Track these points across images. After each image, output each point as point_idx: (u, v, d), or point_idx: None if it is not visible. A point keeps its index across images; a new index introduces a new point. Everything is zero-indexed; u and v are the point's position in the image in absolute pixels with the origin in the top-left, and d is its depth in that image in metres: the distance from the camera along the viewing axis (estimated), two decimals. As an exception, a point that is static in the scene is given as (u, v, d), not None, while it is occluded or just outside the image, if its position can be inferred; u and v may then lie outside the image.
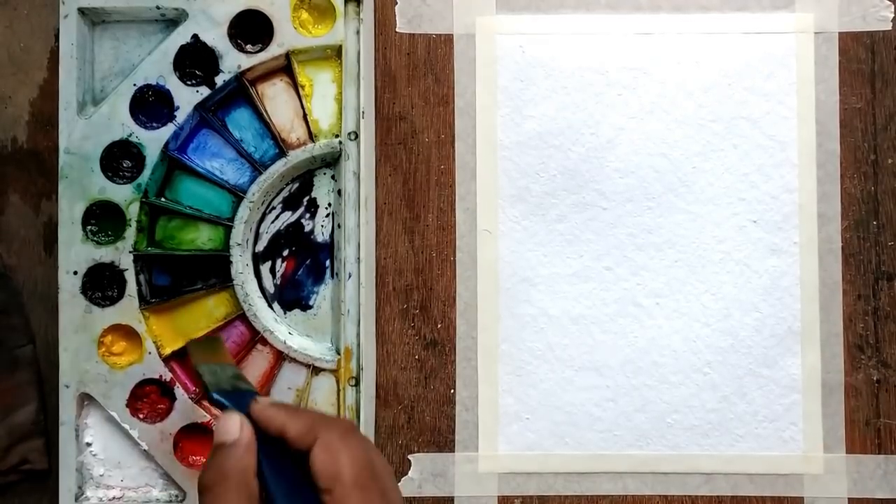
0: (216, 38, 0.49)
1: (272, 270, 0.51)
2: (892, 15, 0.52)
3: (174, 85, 0.50)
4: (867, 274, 0.51)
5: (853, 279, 0.51)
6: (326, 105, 0.50)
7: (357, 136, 0.49)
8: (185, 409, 0.49)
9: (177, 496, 0.50)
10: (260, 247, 0.51)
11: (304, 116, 0.50)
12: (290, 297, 0.51)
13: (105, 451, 0.50)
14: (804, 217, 0.51)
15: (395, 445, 0.52)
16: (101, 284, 0.50)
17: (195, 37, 0.50)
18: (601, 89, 0.52)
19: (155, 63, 0.50)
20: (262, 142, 0.51)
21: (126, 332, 0.50)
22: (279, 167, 0.50)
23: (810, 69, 0.52)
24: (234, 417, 0.36)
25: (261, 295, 0.51)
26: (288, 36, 0.49)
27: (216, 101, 0.50)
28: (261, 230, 0.51)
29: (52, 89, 0.52)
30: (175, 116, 0.50)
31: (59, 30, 0.50)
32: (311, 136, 0.50)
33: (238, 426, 0.36)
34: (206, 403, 0.50)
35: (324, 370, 0.50)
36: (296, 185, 0.51)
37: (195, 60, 0.50)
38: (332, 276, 0.51)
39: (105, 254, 0.50)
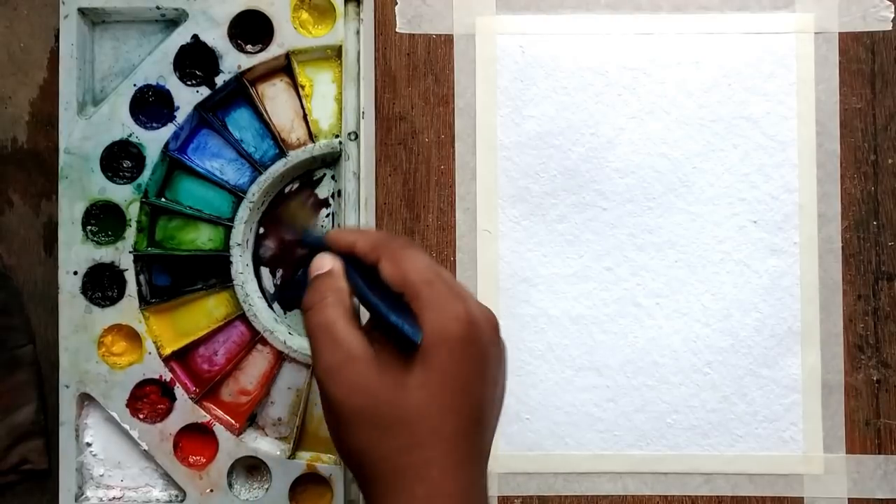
0: (216, 38, 0.49)
1: (272, 271, 0.51)
2: (892, 15, 0.52)
3: (174, 85, 0.50)
4: (867, 274, 0.51)
5: (853, 279, 0.51)
6: (326, 105, 0.50)
7: (357, 137, 0.49)
8: (185, 409, 0.49)
9: (177, 496, 0.50)
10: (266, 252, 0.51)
11: (304, 116, 0.50)
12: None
13: (105, 451, 0.50)
14: (804, 217, 0.51)
15: (395, 445, 0.52)
16: (101, 284, 0.50)
17: (195, 37, 0.50)
18: (601, 89, 0.52)
19: (155, 63, 0.50)
20: (262, 142, 0.51)
21: (126, 332, 0.50)
22: (279, 167, 0.50)
23: (810, 69, 0.52)
24: (325, 255, 0.41)
25: (261, 295, 0.51)
26: (288, 36, 0.49)
27: (216, 102, 0.50)
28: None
29: (52, 89, 0.52)
30: (175, 116, 0.50)
31: (59, 30, 0.50)
32: (311, 137, 0.50)
33: (329, 260, 0.40)
34: (205, 403, 0.50)
35: (324, 370, 0.50)
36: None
37: (195, 60, 0.50)
38: (332, 276, 0.51)
39: (105, 254, 0.50)
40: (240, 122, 0.51)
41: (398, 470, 0.37)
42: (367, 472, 0.38)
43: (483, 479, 0.39)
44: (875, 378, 0.51)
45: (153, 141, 0.50)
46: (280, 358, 0.50)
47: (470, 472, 0.37)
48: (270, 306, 0.51)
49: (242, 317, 0.50)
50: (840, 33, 0.52)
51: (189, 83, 0.50)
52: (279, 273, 0.51)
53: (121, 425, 0.50)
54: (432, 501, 0.36)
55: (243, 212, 0.50)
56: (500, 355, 0.39)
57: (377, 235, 0.42)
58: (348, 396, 0.37)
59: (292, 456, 0.50)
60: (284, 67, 0.50)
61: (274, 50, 0.50)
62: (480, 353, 0.38)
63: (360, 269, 0.40)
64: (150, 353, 0.50)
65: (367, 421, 0.37)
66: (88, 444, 0.50)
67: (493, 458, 0.51)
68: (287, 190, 0.51)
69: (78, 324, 0.49)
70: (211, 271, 0.50)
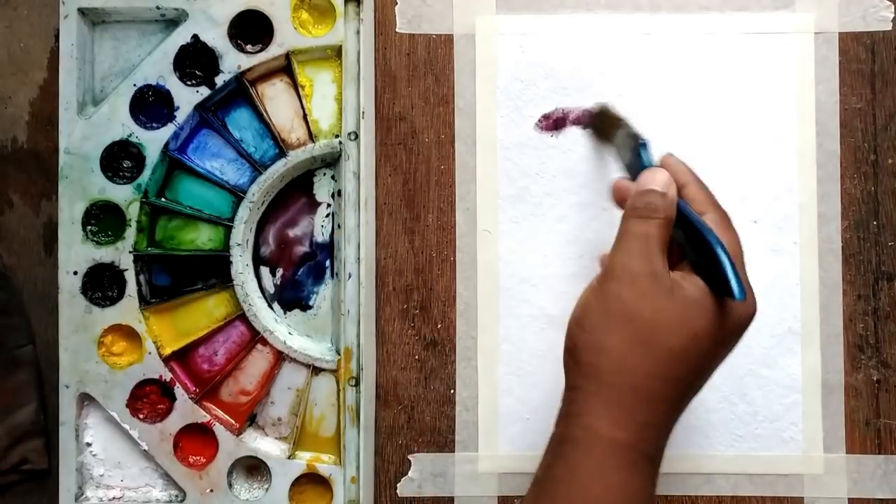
0: (216, 38, 0.49)
1: (272, 271, 0.51)
2: (892, 15, 0.52)
3: (174, 85, 0.50)
4: (867, 274, 0.51)
5: (853, 279, 0.51)
6: (326, 105, 0.50)
7: (357, 137, 0.49)
8: (185, 409, 0.50)
9: (177, 496, 0.50)
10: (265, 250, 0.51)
11: (304, 116, 0.50)
12: (290, 297, 0.51)
13: (105, 451, 0.50)
14: (804, 217, 0.51)
15: (395, 445, 0.52)
16: (101, 284, 0.50)
17: (195, 37, 0.50)
18: (601, 89, 0.52)
19: (155, 63, 0.50)
20: (262, 142, 0.51)
21: (126, 332, 0.50)
22: (279, 167, 0.50)
23: (810, 69, 0.52)
24: (664, 173, 0.42)
25: (261, 295, 0.51)
26: (288, 36, 0.49)
27: (216, 102, 0.50)
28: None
29: (52, 89, 0.52)
30: (175, 116, 0.50)
31: (59, 30, 0.50)
32: (311, 137, 0.50)
33: (666, 182, 0.42)
34: (205, 403, 0.50)
35: (324, 370, 0.50)
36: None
37: (195, 60, 0.50)
38: (332, 276, 0.51)
39: (105, 254, 0.50)
40: (240, 122, 0.51)
41: (636, 388, 0.39)
42: (606, 375, 0.39)
43: (663, 436, 0.41)
44: (875, 378, 0.51)
45: (153, 141, 0.50)
46: (280, 358, 0.50)
47: (659, 423, 0.40)
48: (270, 306, 0.51)
49: (242, 317, 0.50)
50: (840, 33, 0.52)
51: (189, 83, 0.50)
52: (279, 273, 0.51)
53: (121, 425, 0.50)
54: (646, 429, 0.39)
55: (243, 212, 0.50)
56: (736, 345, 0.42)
57: (708, 194, 0.43)
58: (640, 306, 0.39)
59: (292, 456, 0.50)
60: (284, 67, 0.50)
61: (274, 50, 0.50)
62: (736, 342, 0.41)
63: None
64: (150, 353, 0.50)
65: (642, 333, 0.39)
66: (88, 444, 0.50)
67: (493, 458, 0.51)
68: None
69: (78, 324, 0.49)
70: (211, 271, 0.50)
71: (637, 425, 0.39)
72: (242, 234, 0.50)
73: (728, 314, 0.40)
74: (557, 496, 0.39)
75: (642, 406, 0.39)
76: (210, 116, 0.50)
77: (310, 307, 0.51)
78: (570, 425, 0.40)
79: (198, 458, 0.50)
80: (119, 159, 0.50)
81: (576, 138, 0.52)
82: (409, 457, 0.52)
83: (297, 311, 0.51)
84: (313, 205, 0.51)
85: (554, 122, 0.52)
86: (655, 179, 0.42)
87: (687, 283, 0.40)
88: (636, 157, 0.44)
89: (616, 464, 0.39)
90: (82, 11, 0.50)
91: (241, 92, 0.50)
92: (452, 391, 0.52)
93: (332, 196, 0.51)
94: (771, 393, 0.51)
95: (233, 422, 0.50)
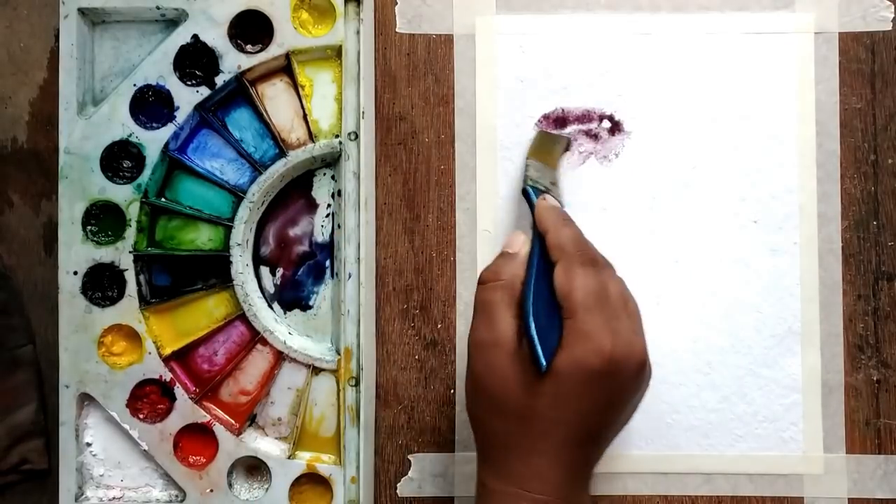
0: (216, 38, 0.49)
1: (272, 271, 0.51)
2: (892, 15, 0.52)
3: (174, 85, 0.50)
4: (867, 274, 0.51)
5: (853, 279, 0.51)
6: (326, 105, 0.50)
7: (357, 137, 0.49)
8: (185, 409, 0.50)
9: (177, 496, 0.50)
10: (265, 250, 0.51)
11: (304, 116, 0.50)
12: (290, 297, 0.51)
13: (105, 451, 0.50)
14: (804, 217, 0.51)
15: (395, 445, 0.52)
16: (101, 284, 0.50)
17: (195, 37, 0.50)
18: (601, 89, 0.52)
19: (155, 63, 0.50)
20: (262, 142, 0.51)
21: (126, 332, 0.50)
22: (279, 167, 0.50)
23: (810, 69, 0.52)
24: (521, 236, 0.44)
25: (261, 295, 0.51)
26: (288, 36, 0.49)
27: (216, 102, 0.50)
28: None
29: (52, 89, 0.52)
30: (175, 116, 0.50)
31: (59, 30, 0.50)
32: (311, 137, 0.50)
33: (521, 244, 0.44)
34: (205, 403, 0.50)
35: (324, 370, 0.50)
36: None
37: (195, 60, 0.50)
38: (332, 276, 0.51)
39: (105, 254, 0.50)
40: (240, 122, 0.51)
41: (508, 446, 0.41)
42: (480, 437, 0.43)
43: (582, 484, 0.42)
44: (875, 378, 0.51)
45: (153, 141, 0.50)
46: (280, 358, 0.50)
47: (571, 473, 0.41)
48: (270, 306, 0.51)
49: (242, 317, 0.50)
50: (840, 33, 0.52)
51: (189, 83, 0.50)
52: (279, 272, 0.51)
53: (121, 425, 0.50)
54: (529, 481, 0.40)
55: (243, 212, 0.50)
56: (637, 387, 0.42)
57: (570, 236, 0.43)
58: (484, 375, 0.41)
59: (292, 456, 0.50)
60: (284, 67, 0.50)
61: (274, 50, 0.50)
62: (614, 386, 0.40)
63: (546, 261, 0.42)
64: (150, 353, 0.50)
65: (493, 400, 0.41)
66: (88, 444, 0.50)
67: (493, 458, 0.51)
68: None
69: (78, 324, 0.49)
70: (211, 271, 0.50)
71: (519, 477, 0.41)
72: (242, 234, 0.50)
73: (568, 373, 0.40)
74: None
75: (517, 461, 0.41)
76: (210, 116, 0.50)
77: (310, 307, 0.51)
78: (476, 484, 0.44)
79: (198, 458, 0.50)
80: (119, 159, 0.50)
81: (576, 138, 0.52)
82: (409, 457, 0.52)
83: (297, 311, 0.51)
84: (313, 205, 0.51)
85: (554, 122, 0.52)
86: (511, 242, 0.44)
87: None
88: (528, 202, 0.46)
89: None
90: (82, 11, 0.50)
91: (241, 92, 0.50)
92: (452, 391, 0.52)
93: (332, 196, 0.51)
94: (771, 393, 0.51)
95: (233, 422, 0.50)
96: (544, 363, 0.39)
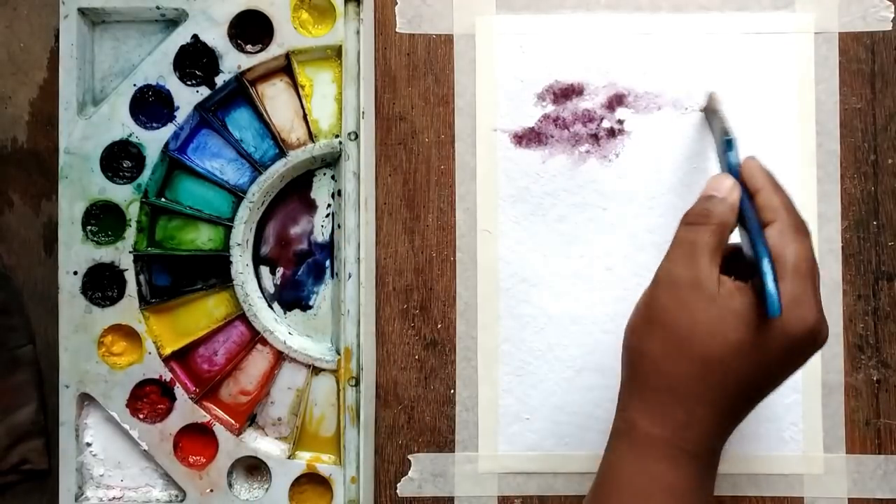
0: (216, 38, 0.49)
1: (272, 271, 0.51)
2: (892, 15, 0.52)
3: (174, 85, 0.50)
4: (867, 274, 0.51)
5: (853, 279, 0.51)
6: (326, 105, 0.50)
7: (357, 136, 0.49)
8: (185, 409, 0.50)
9: (177, 496, 0.50)
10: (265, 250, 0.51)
11: (304, 116, 0.50)
12: (290, 297, 0.51)
13: (105, 451, 0.50)
14: (804, 217, 0.51)
15: (395, 445, 0.52)
16: (101, 284, 0.50)
17: (195, 37, 0.50)
18: (601, 89, 0.52)
19: (155, 63, 0.50)
20: (262, 142, 0.51)
21: (126, 332, 0.50)
22: (279, 167, 0.50)
23: (810, 69, 0.52)
24: (729, 179, 0.42)
25: (261, 295, 0.51)
26: (288, 36, 0.49)
27: (216, 102, 0.50)
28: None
29: (52, 89, 0.52)
30: (175, 116, 0.50)
31: (59, 30, 0.50)
32: (311, 136, 0.50)
33: (729, 187, 0.42)
34: (205, 403, 0.50)
35: (324, 370, 0.50)
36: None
37: (195, 60, 0.50)
38: (332, 276, 0.51)
39: (105, 254, 0.50)
40: (240, 122, 0.51)
41: (675, 389, 0.40)
42: (643, 374, 0.41)
43: (724, 442, 0.42)
44: (875, 378, 0.51)
45: (153, 141, 0.50)
46: (280, 358, 0.50)
47: (725, 428, 0.41)
48: (270, 306, 0.51)
49: (242, 317, 0.50)
50: (840, 33, 0.52)
51: (189, 83, 0.50)
52: (279, 272, 0.51)
53: (121, 425, 0.50)
54: (687, 429, 0.40)
55: (243, 212, 0.50)
56: (807, 359, 0.41)
57: (785, 199, 0.42)
58: (675, 312, 0.40)
59: (292, 456, 0.50)
60: (284, 67, 0.50)
61: (274, 50, 0.50)
62: (799, 353, 0.40)
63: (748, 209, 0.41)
64: (150, 353, 0.50)
65: (676, 339, 0.40)
66: (88, 444, 0.50)
67: (493, 458, 0.51)
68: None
69: (78, 324, 0.49)
70: (211, 271, 0.50)
71: (675, 423, 0.40)
72: (242, 234, 0.50)
73: (770, 331, 0.39)
74: (605, 481, 0.42)
75: (679, 406, 0.40)
76: (210, 116, 0.50)
77: (310, 307, 0.51)
78: (618, 419, 0.43)
79: (198, 458, 0.50)
80: (119, 159, 0.50)
81: (576, 138, 0.52)
82: (409, 457, 0.52)
83: (297, 311, 0.51)
84: (313, 205, 0.51)
85: (554, 122, 0.52)
86: (718, 186, 0.42)
87: (736, 294, 0.40)
88: (723, 155, 0.45)
89: (655, 456, 0.40)
90: (82, 11, 0.50)
91: (241, 92, 0.50)
92: (452, 391, 0.52)
93: (332, 196, 0.51)
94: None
95: (233, 422, 0.50)
96: (777, 311, 0.38)
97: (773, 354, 0.40)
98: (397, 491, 0.52)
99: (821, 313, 0.40)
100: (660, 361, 0.41)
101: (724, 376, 0.40)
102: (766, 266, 0.39)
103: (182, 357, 0.51)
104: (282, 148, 0.50)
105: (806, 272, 0.40)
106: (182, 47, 0.50)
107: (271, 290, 0.51)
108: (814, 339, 0.40)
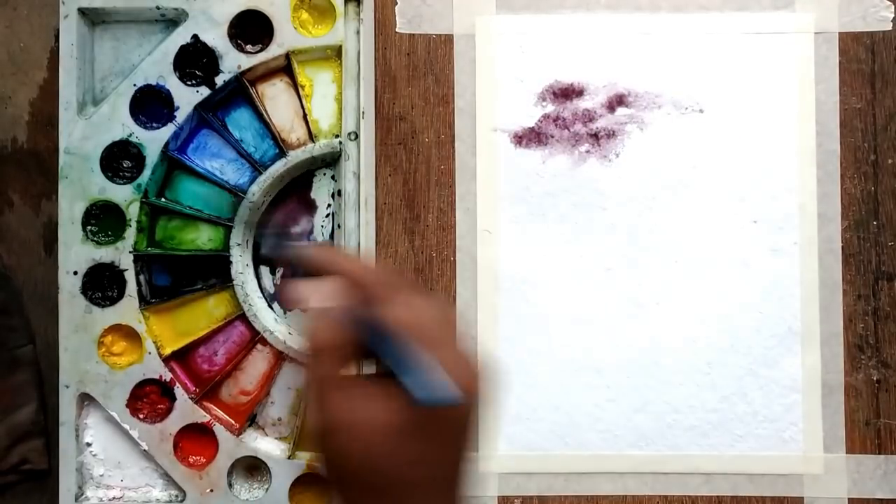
0: (216, 38, 0.49)
1: (272, 271, 0.51)
2: (892, 15, 0.52)
3: (174, 85, 0.50)
4: (867, 274, 0.51)
5: (853, 279, 0.51)
6: (326, 105, 0.50)
7: (357, 136, 0.49)
8: (185, 409, 0.49)
9: (177, 496, 0.50)
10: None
11: (304, 116, 0.50)
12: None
13: (105, 451, 0.50)
14: (804, 217, 0.51)
15: (395, 445, 0.52)
16: (101, 284, 0.50)
17: (195, 37, 0.50)
18: (601, 89, 0.52)
19: (155, 63, 0.50)
20: (262, 142, 0.51)
21: (126, 332, 0.50)
22: (279, 167, 0.50)
23: (810, 69, 0.52)
24: (325, 284, 0.35)
25: (261, 295, 0.51)
26: (288, 36, 0.49)
27: (216, 102, 0.50)
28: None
29: (52, 89, 0.52)
30: (175, 116, 0.50)
31: (59, 30, 0.50)
32: (311, 136, 0.50)
33: (330, 293, 0.35)
34: (205, 403, 0.50)
35: (324, 370, 0.50)
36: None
37: (195, 60, 0.50)
38: (332, 276, 0.51)
39: (105, 254, 0.50)
40: (240, 122, 0.51)
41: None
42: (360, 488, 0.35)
43: None
44: (875, 378, 0.51)
45: (153, 141, 0.50)
46: (280, 358, 0.50)
47: None
48: (270, 306, 0.51)
49: (242, 317, 0.50)
50: (840, 33, 0.52)
51: (189, 83, 0.50)
52: (279, 272, 0.51)
53: (121, 425, 0.50)
54: None
55: (243, 212, 0.50)
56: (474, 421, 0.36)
57: (372, 270, 0.36)
58: (349, 456, 0.34)
59: (292, 456, 0.50)
60: (284, 67, 0.50)
61: (274, 50, 0.50)
62: (474, 418, 0.35)
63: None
64: (150, 353, 0.50)
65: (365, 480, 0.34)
66: (88, 444, 0.50)
67: (493, 458, 0.51)
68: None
69: (78, 324, 0.49)
70: (211, 271, 0.50)
71: None
72: (242, 234, 0.50)
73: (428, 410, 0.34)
74: None
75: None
76: (210, 116, 0.50)
77: (310, 307, 0.51)
78: None
79: (198, 458, 0.50)
80: (119, 159, 0.50)
81: (576, 138, 0.52)
82: (409, 457, 0.52)
83: (297, 311, 0.51)
84: (313, 205, 0.51)
85: (554, 122, 0.52)
86: (311, 293, 0.36)
87: (380, 394, 0.34)
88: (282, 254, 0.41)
89: None
90: (82, 11, 0.50)
91: (241, 92, 0.50)
92: (452, 391, 0.52)
93: (332, 196, 0.51)
94: (771, 393, 0.51)
95: (233, 422, 0.50)
96: (429, 394, 0.32)
97: (466, 434, 0.35)
98: (397, 491, 0.52)
99: (473, 367, 0.34)
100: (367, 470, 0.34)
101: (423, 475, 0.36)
102: (401, 368, 0.33)
103: (182, 357, 0.51)
104: (282, 148, 0.50)
105: (445, 335, 0.34)
106: (182, 47, 0.50)
107: (271, 290, 0.51)
108: (478, 394, 0.35)
